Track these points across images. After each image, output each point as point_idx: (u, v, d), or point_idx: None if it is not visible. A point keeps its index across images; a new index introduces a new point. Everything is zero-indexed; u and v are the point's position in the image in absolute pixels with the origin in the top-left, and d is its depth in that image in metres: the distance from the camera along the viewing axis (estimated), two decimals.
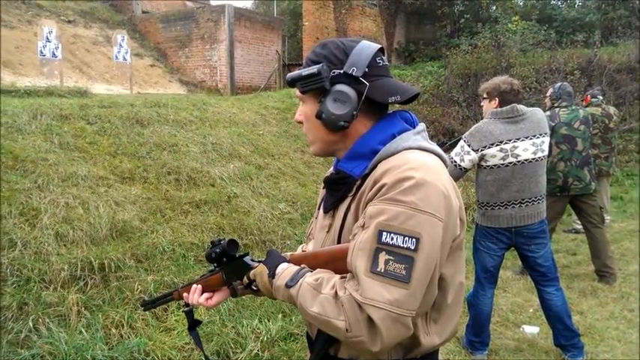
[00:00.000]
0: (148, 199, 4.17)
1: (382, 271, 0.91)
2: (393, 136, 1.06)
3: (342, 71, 1.06)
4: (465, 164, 2.73)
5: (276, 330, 3.05)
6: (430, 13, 14.11)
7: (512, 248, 2.91)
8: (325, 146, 1.15)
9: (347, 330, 0.93)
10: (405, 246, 0.91)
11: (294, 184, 5.54)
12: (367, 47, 1.08)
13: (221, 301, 1.34)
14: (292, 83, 1.11)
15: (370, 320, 0.90)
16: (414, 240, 0.91)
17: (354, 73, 1.05)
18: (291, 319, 3.19)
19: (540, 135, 2.71)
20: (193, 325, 1.40)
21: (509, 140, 2.67)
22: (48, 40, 7.63)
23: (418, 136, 1.08)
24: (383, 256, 0.92)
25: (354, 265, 0.95)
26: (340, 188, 1.11)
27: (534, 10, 13.13)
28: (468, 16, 13.32)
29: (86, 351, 2.57)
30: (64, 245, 3.30)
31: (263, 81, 13.28)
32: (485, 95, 2.85)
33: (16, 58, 9.48)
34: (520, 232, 2.75)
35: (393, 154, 1.02)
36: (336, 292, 0.96)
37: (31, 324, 2.68)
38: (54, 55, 7.71)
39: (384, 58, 1.12)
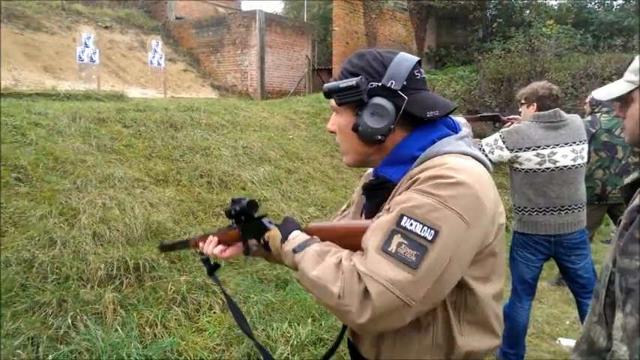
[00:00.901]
0: (181, 201, 4.25)
1: (393, 251, 0.91)
2: (433, 142, 1.05)
3: (380, 84, 1.04)
4: (493, 157, 2.65)
5: (305, 334, 3.05)
6: (462, 17, 13.94)
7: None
8: (359, 157, 1.14)
9: (339, 296, 0.92)
10: (422, 235, 0.90)
11: (323, 188, 5.55)
12: (406, 60, 1.06)
13: (234, 255, 1.37)
14: (329, 94, 1.09)
15: (366, 292, 0.89)
16: (432, 231, 0.90)
17: (392, 86, 1.03)
18: (320, 324, 3.18)
19: (580, 142, 2.64)
20: (212, 269, 1.43)
21: (548, 146, 2.60)
22: (86, 46, 7.88)
23: (460, 141, 1.06)
24: (397, 238, 0.91)
25: (368, 241, 0.96)
26: (379, 194, 1.10)
27: (570, 14, 12.82)
28: (501, 20, 13.10)
29: (121, 349, 2.63)
30: (101, 245, 3.39)
31: (292, 85, 13.37)
32: (523, 100, 2.79)
33: (57, 63, 9.82)
34: (560, 242, 2.67)
35: (433, 157, 1.01)
36: (340, 262, 0.96)
37: (69, 321, 2.75)
38: (92, 60, 7.96)
39: (422, 70, 1.10)
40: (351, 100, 1.05)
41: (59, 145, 4.37)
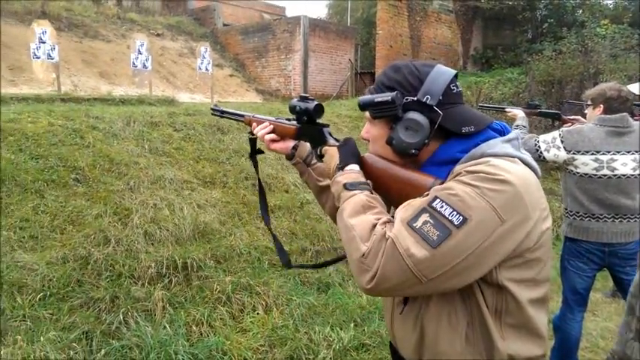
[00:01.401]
0: (227, 202, 4.36)
1: (417, 227, 0.92)
2: (477, 145, 1.03)
3: (415, 99, 1.04)
4: (548, 155, 2.55)
5: (348, 339, 3.05)
6: (510, 18, 13.54)
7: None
8: None
9: (363, 254, 0.94)
10: (450, 218, 0.90)
11: None
12: (442, 74, 1.05)
13: (278, 150, 1.40)
14: (363, 108, 1.09)
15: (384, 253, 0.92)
16: (461, 218, 0.89)
17: (428, 102, 1.03)
18: (363, 330, 3.17)
19: None
20: (255, 152, 1.47)
21: (608, 152, 2.47)
22: (139, 53, 8.20)
23: (507, 144, 1.02)
24: (425, 217, 0.92)
25: (398, 213, 0.98)
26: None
27: (626, 13, 12.21)
28: (552, 20, 12.64)
29: (169, 346, 2.71)
30: (152, 244, 3.53)
31: (335, 89, 13.41)
32: (589, 101, 2.66)
33: (112, 69, 10.30)
34: (615, 252, 2.54)
35: (478, 157, 0.99)
36: (376, 224, 0.98)
37: (121, 317, 2.87)
38: (144, 66, 8.28)
39: (458, 84, 1.09)
40: (386, 115, 1.06)
41: (114, 148, 4.58)
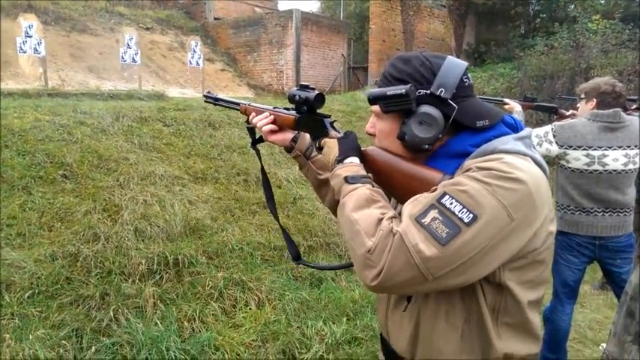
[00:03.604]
0: (218, 198, 4.33)
1: (426, 223, 0.88)
2: (488, 140, 0.99)
3: (428, 92, 1.00)
4: (540, 150, 2.52)
5: (340, 333, 3.05)
6: (502, 13, 13.57)
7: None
8: None
9: (369, 250, 0.90)
10: (460, 216, 0.86)
11: None
12: (455, 66, 1.01)
13: (277, 142, 1.34)
14: (374, 101, 1.04)
15: (390, 249, 0.89)
16: (471, 215, 0.86)
17: (442, 95, 0.98)
18: (355, 324, 3.17)
19: (636, 146, 2.49)
20: (256, 141, 1.40)
21: (600, 147, 2.48)
22: (129, 47, 8.12)
23: (520, 141, 0.99)
24: (433, 213, 0.89)
25: (405, 208, 0.94)
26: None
27: (617, 8, 12.23)
28: (544, 15, 12.68)
29: (161, 342, 2.69)
30: (142, 240, 3.49)
31: (328, 84, 13.38)
32: (582, 95, 2.66)
33: (100, 64, 10.18)
34: (605, 245, 2.56)
35: (490, 153, 0.96)
36: (382, 218, 0.94)
37: (111, 314, 2.85)
38: (134, 60, 8.20)
39: (469, 76, 1.05)
40: (399, 108, 1.01)
41: (103, 144, 4.53)
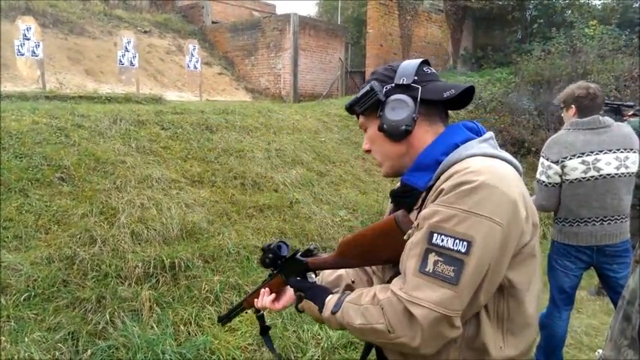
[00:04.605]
0: (215, 202, 4.33)
1: (431, 271, 0.92)
2: (456, 146, 1.05)
3: (393, 84, 1.10)
4: (553, 179, 2.56)
5: (336, 337, 3.05)
6: (500, 18, 13.63)
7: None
8: (393, 162, 1.15)
9: (389, 331, 0.94)
10: (456, 249, 0.90)
11: (355, 191, 5.53)
12: (411, 61, 1.13)
13: (287, 305, 1.37)
14: (351, 108, 1.15)
15: (411, 317, 0.91)
16: (465, 243, 0.90)
17: (404, 82, 1.09)
18: None
19: (625, 150, 2.52)
20: (265, 330, 1.44)
21: (592, 152, 2.50)
22: (126, 50, 8.11)
23: (484, 143, 1.06)
24: (432, 257, 0.92)
25: (405, 265, 0.97)
26: (406, 201, 1.11)
27: (614, 14, 12.32)
28: (542, 20, 12.74)
29: (157, 346, 2.69)
30: (139, 243, 3.49)
31: (325, 88, 13.40)
32: (562, 104, 2.71)
33: (98, 67, 10.17)
34: (602, 250, 2.57)
35: (455, 162, 1.01)
36: (373, 298, 0.99)
37: (107, 317, 2.85)
38: (131, 63, 8.19)
39: (431, 68, 1.15)
40: (370, 102, 1.11)
41: (100, 147, 4.52)
